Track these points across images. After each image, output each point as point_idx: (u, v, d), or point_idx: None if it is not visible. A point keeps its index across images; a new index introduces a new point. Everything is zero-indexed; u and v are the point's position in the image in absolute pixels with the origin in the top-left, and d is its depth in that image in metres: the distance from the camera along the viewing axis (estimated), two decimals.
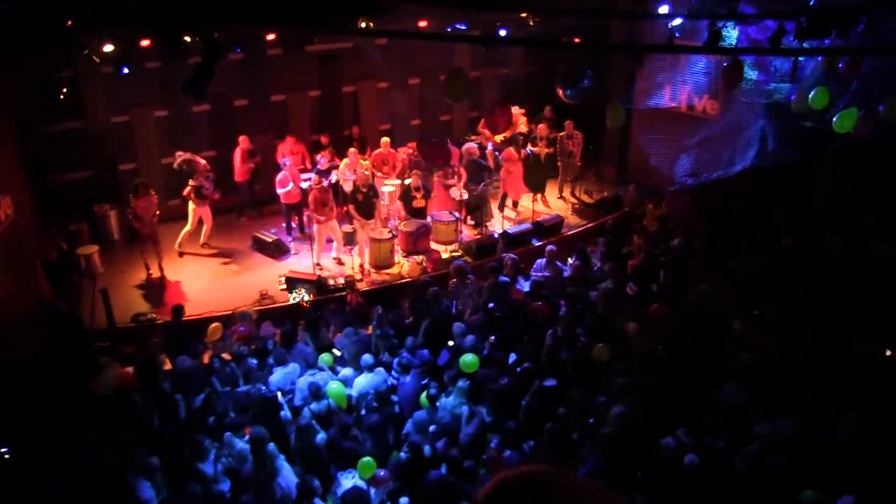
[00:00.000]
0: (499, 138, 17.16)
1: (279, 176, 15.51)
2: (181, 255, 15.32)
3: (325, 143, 16.88)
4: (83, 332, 12.17)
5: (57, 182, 15.27)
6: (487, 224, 16.36)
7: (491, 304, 12.21)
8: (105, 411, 9.99)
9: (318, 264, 14.59)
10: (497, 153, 16.89)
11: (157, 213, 14.49)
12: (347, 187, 15.49)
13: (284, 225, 16.15)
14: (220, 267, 15.14)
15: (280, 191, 15.51)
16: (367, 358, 10.50)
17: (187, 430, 9.58)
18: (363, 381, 10.27)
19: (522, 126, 17.32)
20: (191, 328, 12.23)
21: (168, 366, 11.28)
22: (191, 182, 14.85)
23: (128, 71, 12.96)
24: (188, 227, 15.23)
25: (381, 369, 10.45)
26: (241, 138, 16.07)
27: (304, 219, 15.83)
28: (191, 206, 15.05)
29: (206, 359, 11.54)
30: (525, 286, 13.28)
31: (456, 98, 11.36)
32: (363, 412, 9.89)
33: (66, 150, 15.24)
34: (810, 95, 11.95)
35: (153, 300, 13.94)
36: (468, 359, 10.23)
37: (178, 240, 15.28)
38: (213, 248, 15.65)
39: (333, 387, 10.01)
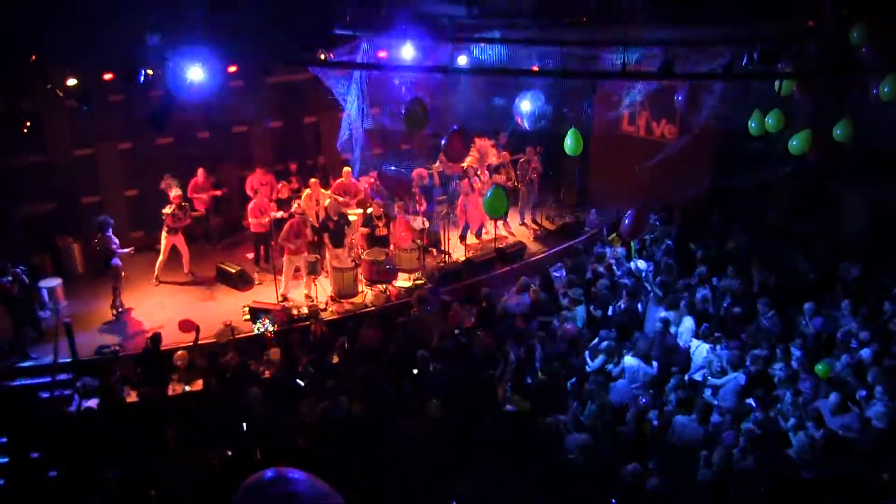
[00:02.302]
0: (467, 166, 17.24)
1: (251, 206, 15.59)
2: (157, 283, 15.36)
3: (293, 170, 17.05)
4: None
5: (20, 215, 15.25)
6: (450, 252, 16.51)
7: (457, 331, 12.38)
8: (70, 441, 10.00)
9: (283, 296, 14.68)
10: (455, 181, 17.05)
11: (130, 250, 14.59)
12: (311, 217, 15.56)
13: (252, 255, 16.22)
14: (184, 298, 15.13)
15: (253, 220, 15.59)
16: None
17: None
18: None
19: (493, 157, 17.42)
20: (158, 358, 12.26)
21: (132, 398, 11.31)
22: (165, 210, 14.93)
23: (90, 107, 13.05)
24: (161, 258, 15.27)
25: None
26: (199, 171, 16.25)
27: (271, 250, 15.82)
28: (163, 235, 15.08)
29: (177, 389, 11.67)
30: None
31: (415, 127, 11.51)
32: None
33: (30, 184, 15.25)
34: (766, 118, 12.20)
35: (122, 331, 13.93)
36: None
37: (155, 272, 15.34)
38: (185, 276, 15.65)
39: None
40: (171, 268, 15.55)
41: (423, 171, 16.71)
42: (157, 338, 12.22)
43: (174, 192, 15.05)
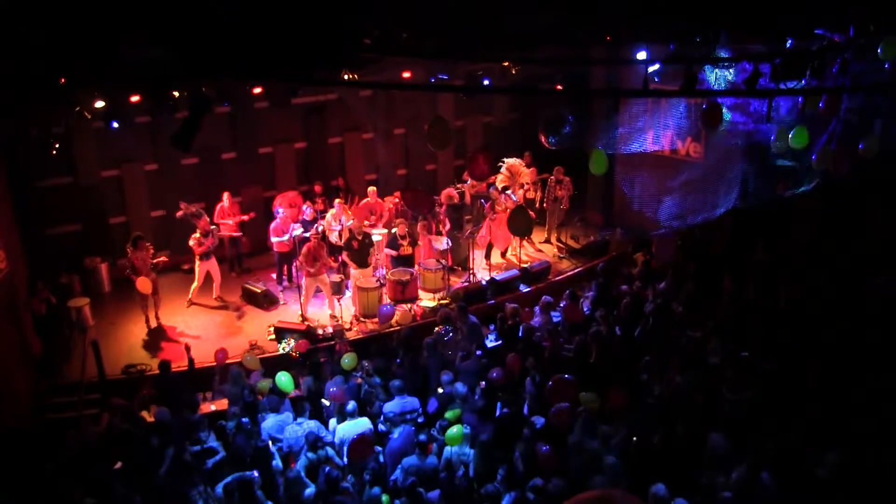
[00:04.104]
0: (500, 185, 17.17)
1: (272, 225, 15.66)
2: (189, 305, 15.50)
3: (318, 191, 17.12)
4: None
5: (49, 236, 15.46)
6: (474, 271, 16.48)
7: (479, 352, 12.33)
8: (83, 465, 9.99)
9: (303, 316, 14.71)
10: (480, 201, 17.04)
11: (163, 259, 14.80)
12: (334, 238, 15.62)
13: (275, 275, 16.28)
14: (210, 317, 15.21)
15: (274, 240, 15.66)
16: (351, 405, 10.48)
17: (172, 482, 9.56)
18: (346, 429, 10.27)
19: (526, 177, 17.42)
20: (181, 379, 12.28)
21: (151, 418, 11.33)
22: (192, 236, 15.05)
23: (118, 126, 13.22)
24: (195, 284, 15.42)
25: (364, 419, 10.50)
26: (224, 195, 16.29)
27: (294, 269, 15.89)
28: (196, 262, 15.22)
29: (205, 408, 11.70)
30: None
31: (439, 146, 11.48)
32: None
33: (58, 205, 15.47)
34: (790, 135, 12.09)
35: (148, 350, 14.02)
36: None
37: (189, 295, 15.50)
38: (215, 301, 15.72)
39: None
40: (201, 289, 15.65)
41: (452, 190, 16.72)
42: (165, 364, 12.20)
43: (204, 219, 15.19)
